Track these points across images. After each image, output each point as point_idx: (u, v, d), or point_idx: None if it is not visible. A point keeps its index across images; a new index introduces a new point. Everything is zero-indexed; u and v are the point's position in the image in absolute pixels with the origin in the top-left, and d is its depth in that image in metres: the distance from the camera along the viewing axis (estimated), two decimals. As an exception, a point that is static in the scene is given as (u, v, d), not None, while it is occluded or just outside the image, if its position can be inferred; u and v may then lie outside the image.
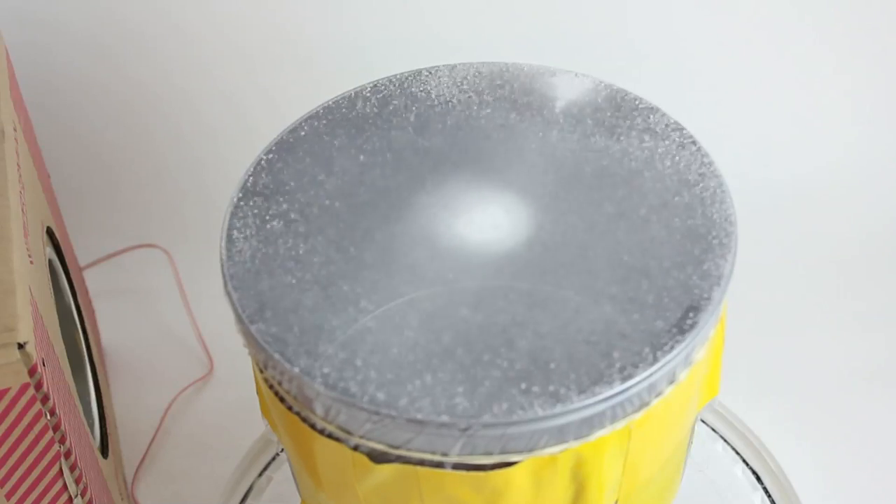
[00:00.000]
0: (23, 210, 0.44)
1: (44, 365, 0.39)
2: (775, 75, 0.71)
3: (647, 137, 0.42)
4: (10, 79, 0.51)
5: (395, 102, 0.45)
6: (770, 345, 0.64)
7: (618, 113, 0.43)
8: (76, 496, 0.43)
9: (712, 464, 0.54)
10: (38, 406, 0.39)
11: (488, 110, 0.44)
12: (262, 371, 0.37)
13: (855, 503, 0.56)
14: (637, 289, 0.36)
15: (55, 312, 0.48)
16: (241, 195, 0.41)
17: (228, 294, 0.37)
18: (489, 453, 0.33)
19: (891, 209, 0.71)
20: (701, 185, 0.40)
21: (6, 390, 0.37)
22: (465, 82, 0.46)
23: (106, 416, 0.57)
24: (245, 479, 0.56)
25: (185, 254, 0.72)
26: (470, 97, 0.45)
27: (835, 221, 0.71)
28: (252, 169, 0.42)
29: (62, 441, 0.41)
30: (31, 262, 0.43)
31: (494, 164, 0.42)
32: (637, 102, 0.44)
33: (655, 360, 0.34)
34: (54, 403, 0.40)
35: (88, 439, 0.48)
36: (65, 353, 0.47)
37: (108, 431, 0.56)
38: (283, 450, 0.55)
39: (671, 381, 0.35)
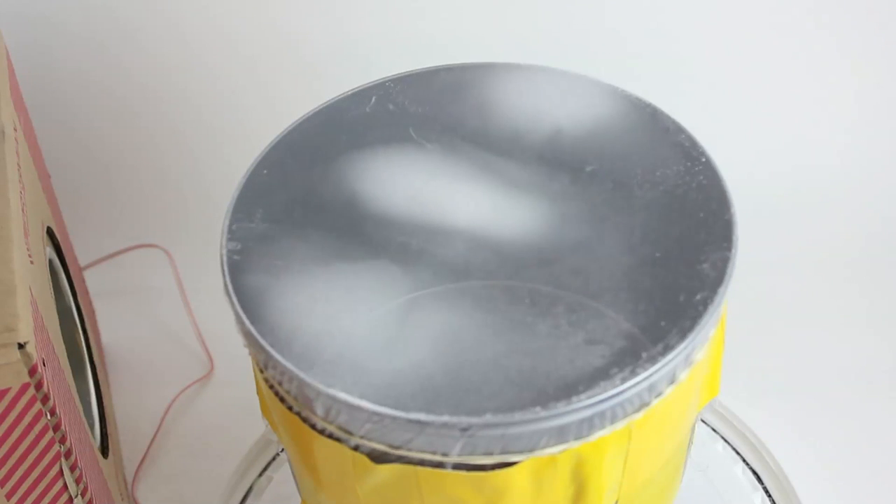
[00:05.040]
0: (23, 210, 0.44)
1: (44, 365, 0.39)
2: (775, 74, 0.71)
3: (646, 138, 0.42)
4: (10, 79, 0.51)
5: (395, 102, 0.45)
6: (770, 344, 0.64)
7: (618, 113, 0.43)
8: (76, 496, 0.43)
9: (712, 464, 0.54)
10: (38, 406, 0.39)
11: (489, 110, 0.44)
12: (262, 371, 0.37)
13: (855, 503, 0.56)
14: (637, 289, 0.36)
15: (55, 312, 0.48)
16: (241, 195, 0.41)
17: (228, 294, 0.37)
18: (489, 453, 0.33)
19: (891, 209, 0.71)
20: (700, 184, 0.40)
21: (6, 390, 0.37)
22: (465, 82, 0.45)
23: (106, 416, 0.57)
24: (245, 479, 0.56)
25: (185, 254, 0.72)
26: (471, 97, 0.45)
27: (835, 221, 0.71)
28: (252, 169, 0.42)
29: (62, 441, 0.41)
30: (32, 262, 0.43)
31: (495, 163, 0.42)
32: (637, 102, 0.44)
33: (655, 360, 0.34)
34: (54, 403, 0.40)
35: (88, 439, 0.48)
36: (65, 353, 0.47)
37: (108, 431, 0.56)
38: (283, 450, 0.55)
39: (671, 382, 0.35)
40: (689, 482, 0.46)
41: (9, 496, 0.41)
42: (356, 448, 0.34)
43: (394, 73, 0.46)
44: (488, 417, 0.32)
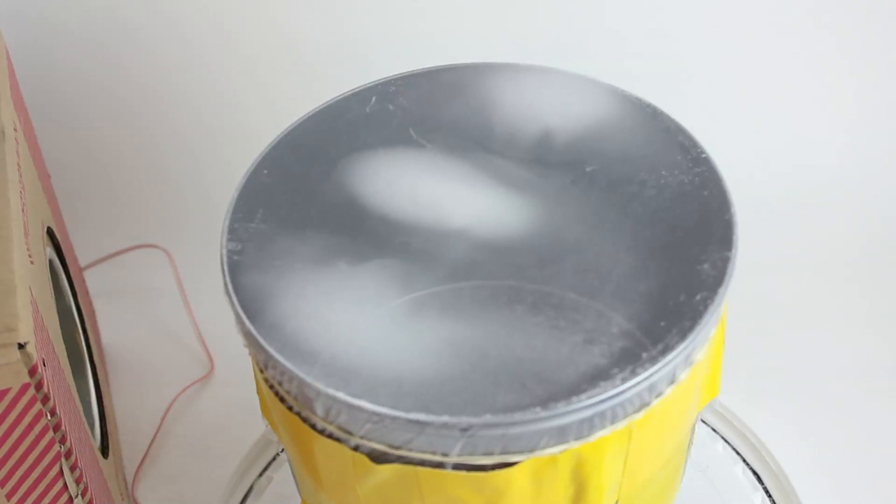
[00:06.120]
0: (23, 210, 0.44)
1: (44, 365, 0.39)
2: (775, 74, 0.71)
3: (646, 138, 0.42)
4: (10, 79, 0.51)
5: (395, 102, 0.45)
6: (770, 345, 0.64)
7: (618, 113, 0.43)
8: (76, 496, 0.43)
9: (712, 464, 0.54)
10: (38, 406, 0.39)
11: (489, 110, 0.44)
12: (262, 371, 0.37)
13: (855, 503, 0.56)
14: (637, 289, 0.36)
15: (55, 312, 0.48)
16: (241, 195, 0.41)
17: (228, 294, 0.37)
18: (489, 453, 0.33)
19: (891, 209, 0.71)
20: (700, 184, 0.40)
21: (6, 390, 0.37)
22: (465, 82, 0.45)
23: (106, 416, 0.57)
24: (245, 479, 0.56)
25: (185, 254, 0.72)
26: (471, 97, 0.45)
27: (835, 221, 0.71)
28: (252, 169, 0.42)
29: (62, 441, 0.41)
30: (32, 262, 0.43)
31: (495, 163, 0.42)
32: (637, 102, 0.44)
33: (656, 360, 0.34)
34: (55, 403, 0.40)
35: (89, 439, 0.48)
36: (65, 353, 0.47)
37: (108, 431, 0.56)
38: (283, 450, 0.55)
39: (671, 382, 0.35)
40: (689, 482, 0.46)
41: (9, 496, 0.41)
42: (356, 448, 0.34)
43: (394, 73, 0.46)
44: (488, 417, 0.32)
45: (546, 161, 0.42)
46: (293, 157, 0.42)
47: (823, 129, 0.72)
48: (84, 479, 0.44)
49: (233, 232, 0.39)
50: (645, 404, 0.34)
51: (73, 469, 0.42)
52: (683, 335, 0.34)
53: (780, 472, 0.54)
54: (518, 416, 0.32)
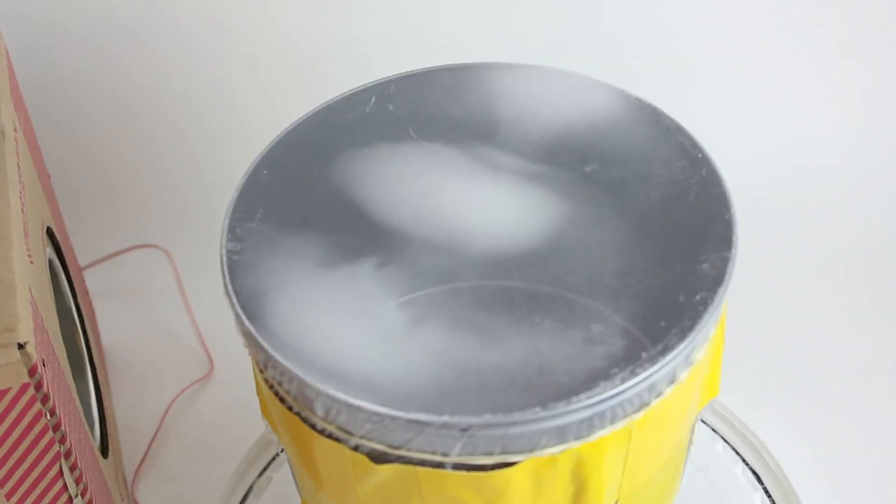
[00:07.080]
0: (23, 210, 0.44)
1: (44, 365, 0.39)
2: (776, 74, 0.71)
3: (646, 138, 0.42)
4: (10, 79, 0.51)
5: (395, 102, 0.45)
6: (770, 345, 0.64)
7: (618, 113, 0.43)
8: (76, 496, 0.43)
9: (712, 464, 0.54)
10: (38, 406, 0.39)
11: (489, 110, 0.44)
12: (262, 371, 0.37)
13: (855, 503, 0.56)
14: (637, 289, 0.36)
15: (55, 312, 0.48)
16: (240, 195, 0.41)
17: (228, 294, 0.37)
18: (489, 453, 0.33)
19: (891, 209, 0.71)
20: (700, 184, 0.40)
21: (6, 390, 0.37)
22: (465, 82, 0.45)
23: (106, 416, 0.57)
24: (245, 479, 0.56)
25: (185, 254, 0.72)
26: (471, 97, 0.45)
27: (835, 221, 0.71)
28: (252, 169, 0.42)
29: (62, 441, 0.41)
30: (31, 262, 0.43)
31: (494, 164, 0.42)
32: (637, 102, 0.44)
33: (655, 360, 0.34)
34: (54, 403, 0.40)
35: (88, 439, 0.48)
36: (65, 353, 0.47)
37: (108, 431, 0.56)
38: (283, 450, 0.55)
39: (671, 382, 0.35)
40: (689, 482, 0.46)
41: (9, 496, 0.41)
42: (356, 448, 0.34)
43: (394, 73, 0.46)
44: (488, 417, 0.32)
45: (545, 161, 0.42)
46: (293, 157, 0.42)
47: (823, 129, 0.72)
48: (84, 479, 0.44)
49: (233, 232, 0.39)
50: (645, 404, 0.34)
51: (72, 469, 0.42)
52: (683, 335, 0.34)
53: (780, 472, 0.54)
54: (518, 416, 0.32)
